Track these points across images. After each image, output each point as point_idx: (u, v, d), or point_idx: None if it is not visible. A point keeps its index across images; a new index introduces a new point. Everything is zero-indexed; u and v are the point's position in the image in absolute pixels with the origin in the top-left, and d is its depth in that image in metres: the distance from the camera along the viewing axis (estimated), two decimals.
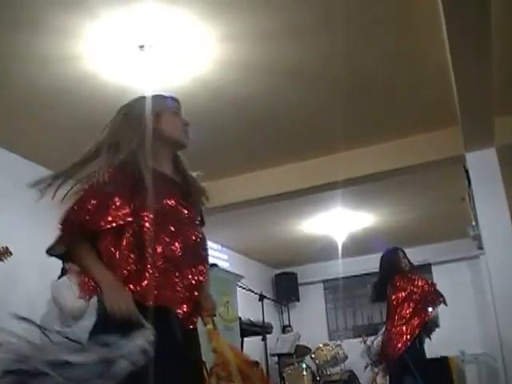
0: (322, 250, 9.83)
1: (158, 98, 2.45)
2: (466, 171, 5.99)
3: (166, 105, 2.42)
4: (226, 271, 6.26)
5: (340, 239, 9.32)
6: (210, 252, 9.15)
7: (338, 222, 8.77)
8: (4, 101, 4.81)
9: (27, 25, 3.91)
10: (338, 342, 8.83)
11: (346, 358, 8.47)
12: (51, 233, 5.80)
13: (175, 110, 2.43)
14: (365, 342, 6.54)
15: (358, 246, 9.63)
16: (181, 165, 2.42)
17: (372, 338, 6.35)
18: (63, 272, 5.30)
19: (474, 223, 7.27)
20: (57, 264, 5.35)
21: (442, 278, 10.10)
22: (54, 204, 6.00)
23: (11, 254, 4.57)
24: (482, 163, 5.79)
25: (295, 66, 4.75)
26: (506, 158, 5.77)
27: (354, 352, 7.51)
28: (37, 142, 5.55)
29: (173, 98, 2.47)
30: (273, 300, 9.91)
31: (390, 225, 9.16)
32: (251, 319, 7.08)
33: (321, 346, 8.52)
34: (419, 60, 4.82)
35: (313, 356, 8.41)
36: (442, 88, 5.11)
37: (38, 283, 5.50)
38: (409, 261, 5.53)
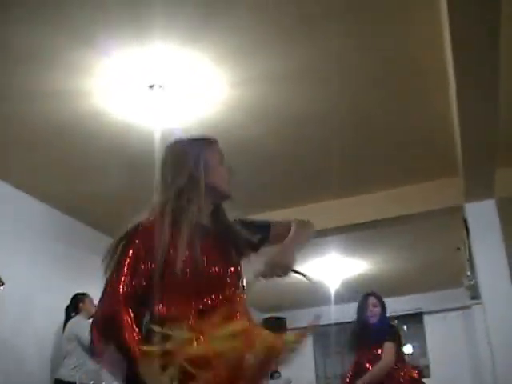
0: (313, 296, 9.76)
1: (203, 144, 2.22)
2: (465, 221, 6.01)
3: (212, 153, 2.21)
4: None
5: (333, 285, 9.27)
6: None
7: (332, 268, 8.73)
8: (10, 135, 4.80)
9: (39, 58, 3.91)
10: None
11: None
12: (53, 276, 5.66)
13: (222, 158, 2.23)
14: None
15: (350, 292, 9.57)
16: (224, 216, 2.19)
17: None
18: (73, 310, 5.31)
19: (468, 273, 7.28)
20: (61, 307, 5.38)
21: (433, 328, 10.09)
22: (59, 244, 5.96)
23: (3, 283, 4.58)
24: (482, 214, 5.82)
25: (302, 111, 4.78)
26: (505, 209, 5.80)
27: None
28: (42, 179, 5.53)
29: (216, 143, 2.28)
30: None
31: (383, 272, 9.15)
32: None
33: None
34: (423, 110, 4.87)
35: None
36: (444, 138, 5.17)
37: (46, 323, 5.49)
38: (383, 309, 4.90)
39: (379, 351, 4.62)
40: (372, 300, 4.91)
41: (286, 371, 9.96)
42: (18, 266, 5.29)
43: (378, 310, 4.85)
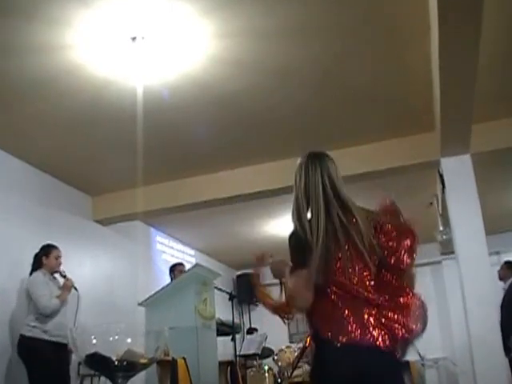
0: (286, 251, 9.82)
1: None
2: (441, 176, 6.07)
3: None
4: (206, 268, 6.19)
5: None
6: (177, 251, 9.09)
7: None
8: None
9: (15, 11, 3.77)
10: (301, 345, 8.82)
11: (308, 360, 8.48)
12: (23, 231, 5.50)
13: None
14: None
15: None
16: None
17: None
18: (37, 266, 5.18)
19: (441, 228, 7.39)
20: (27, 262, 5.25)
21: None
22: (25, 203, 5.83)
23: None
24: (457, 168, 5.89)
25: (283, 67, 4.75)
26: (479, 164, 5.88)
27: None
28: (19, 135, 5.42)
29: None
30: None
31: None
32: (221, 318, 7.04)
33: (284, 348, 8.49)
34: (404, 66, 4.88)
35: (275, 358, 8.38)
36: (422, 94, 5.20)
37: (9, 277, 5.36)
38: None
39: None
40: None
41: (260, 328, 10.11)
42: None
43: None
